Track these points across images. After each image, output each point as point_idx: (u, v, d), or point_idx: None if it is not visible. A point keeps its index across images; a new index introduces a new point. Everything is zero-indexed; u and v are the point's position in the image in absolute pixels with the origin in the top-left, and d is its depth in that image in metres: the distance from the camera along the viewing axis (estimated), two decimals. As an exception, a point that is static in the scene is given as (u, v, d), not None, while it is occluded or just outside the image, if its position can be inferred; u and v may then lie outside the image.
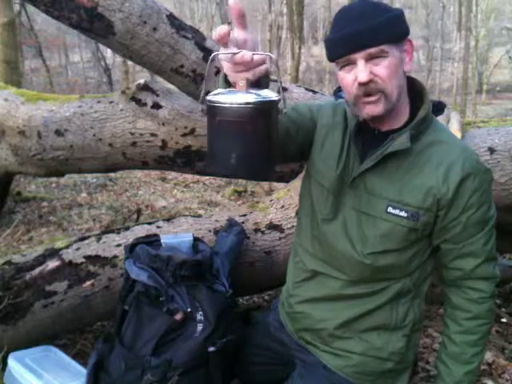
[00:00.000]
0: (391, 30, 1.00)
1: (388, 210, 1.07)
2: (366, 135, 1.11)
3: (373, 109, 1.04)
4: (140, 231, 1.87)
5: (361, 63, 1.00)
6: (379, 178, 1.09)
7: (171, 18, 1.76)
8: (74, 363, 1.57)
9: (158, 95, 2.26)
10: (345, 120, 1.19)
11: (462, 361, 1.15)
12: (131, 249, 1.52)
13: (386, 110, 1.04)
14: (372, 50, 0.99)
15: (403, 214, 1.06)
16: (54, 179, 4.83)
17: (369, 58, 1.00)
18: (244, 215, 2.09)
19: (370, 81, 1.00)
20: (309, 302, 1.24)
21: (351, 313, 1.17)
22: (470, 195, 1.06)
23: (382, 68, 1.00)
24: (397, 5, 28.05)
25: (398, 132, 1.07)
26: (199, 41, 1.80)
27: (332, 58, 1.05)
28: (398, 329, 1.16)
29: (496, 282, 1.17)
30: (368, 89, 1.01)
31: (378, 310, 1.15)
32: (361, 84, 1.01)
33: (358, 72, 1.00)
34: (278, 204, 1.99)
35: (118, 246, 1.81)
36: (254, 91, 0.85)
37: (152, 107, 2.23)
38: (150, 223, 1.96)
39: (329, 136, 1.19)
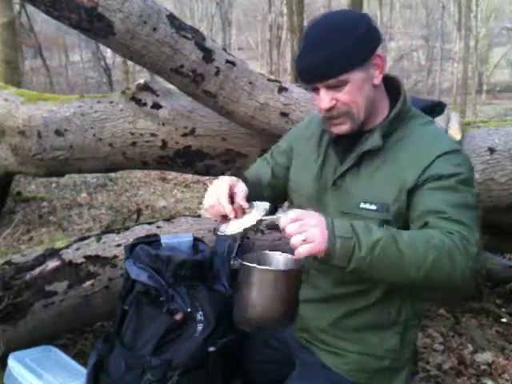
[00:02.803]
0: (349, 58, 1.01)
1: (360, 206, 1.09)
2: (349, 137, 1.13)
3: (339, 129, 1.09)
4: (140, 231, 1.87)
5: (322, 92, 1.04)
6: (356, 178, 1.11)
7: (171, 17, 1.76)
8: (74, 363, 1.57)
9: (158, 95, 2.26)
10: (320, 126, 1.22)
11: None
12: (131, 249, 1.52)
13: (353, 128, 1.08)
14: (330, 82, 1.03)
15: (373, 207, 1.08)
16: (54, 179, 4.83)
17: (330, 87, 1.04)
18: (244, 215, 2.09)
19: (333, 107, 1.05)
20: (303, 303, 1.26)
21: (340, 312, 1.19)
22: (441, 173, 1.03)
23: (343, 94, 1.04)
24: (397, 5, 28.05)
25: (371, 132, 1.10)
26: (199, 41, 1.80)
27: (302, 84, 1.09)
28: (391, 326, 1.17)
29: (471, 244, 0.96)
30: (332, 113, 1.06)
31: (368, 308, 1.16)
32: (323, 110, 1.06)
33: (320, 100, 1.06)
34: (278, 204, 2.00)
35: (118, 246, 1.81)
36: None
37: (152, 107, 2.23)
38: (149, 223, 1.96)
39: (304, 149, 1.24)
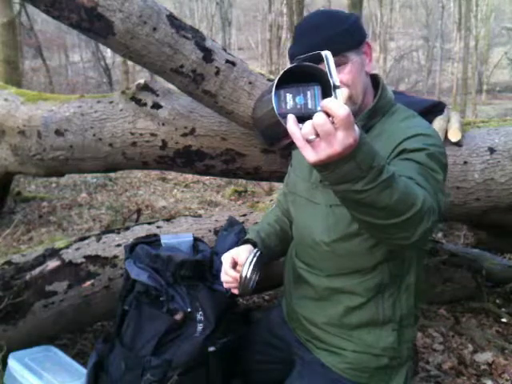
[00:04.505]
0: (348, 39, 1.09)
1: None
2: None
3: None
4: (140, 231, 1.87)
5: None
6: None
7: (171, 18, 1.76)
8: (74, 363, 1.57)
9: (158, 95, 2.26)
10: None
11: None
12: (131, 249, 1.52)
13: (352, 112, 1.06)
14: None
15: None
16: (54, 179, 4.83)
17: None
18: (244, 215, 2.09)
19: None
20: (299, 300, 1.28)
21: (335, 310, 1.20)
22: (412, 146, 1.03)
23: (344, 74, 1.09)
24: (397, 5, 28.03)
25: None
26: (199, 41, 1.80)
27: None
28: (386, 324, 1.18)
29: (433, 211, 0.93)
30: None
31: (362, 305, 1.17)
32: None
33: None
34: (278, 204, 1.99)
35: (118, 246, 1.81)
36: None
37: (152, 107, 2.23)
38: (150, 223, 1.96)
39: (298, 155, 1.26)
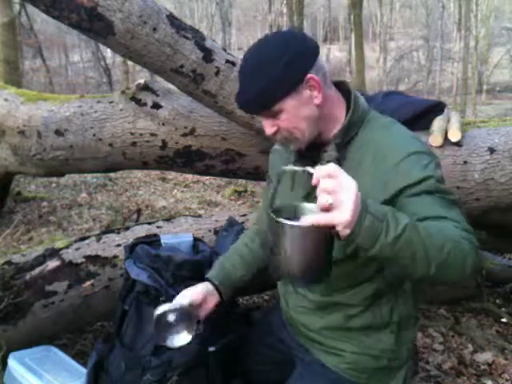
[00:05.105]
0: (279, 88, 1.02)
1: None
2: (311, 147, 1.13)
3: (293, 147, 1.12)
4: (140, 231, 1.87)
5: (263, 120, 1.08)
6: None
7: (171, 17, 1.76)
8: (74, 363, 1.57)
9: (158, 95, 2.26)
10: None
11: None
12: (131, 249, 1.52)
13: (305, 144, 1.10)
14: (264, 113, 1.06)
15: None
16: (54, 179, 4.83)
17: (268, 116, 1.06)
18: (244, 215, 2.09)
19: (276, 132, 1.08)
20: (296, 308, 1.28)
21: (333, 318, 1.19)
22: (409, 172, 1.01)
23: (282, 121, 1.06)
24: (397, 5, 28.03)
25: (328, 145, 1.10)
26: (199, 41, 1.80)
27: None
28: (384, 327, 1.17)
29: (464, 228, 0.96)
30: (277, 137, 1.10)
31: (360, 314, 1.17)
32: (269, 135, 1.10)
33: (263, 127, 1.10)
34: (278, 204, 1.99)
35: (118, 246, 1.81)
36: None
37: (152, 107, 2.23)
38: (150, 223, 1.96)
39: (277, 169, 1.20)
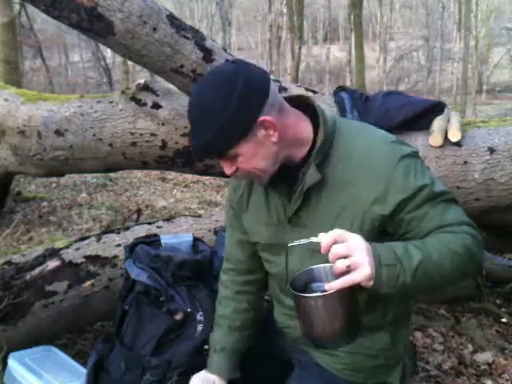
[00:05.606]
0: (227, 138, 0.97)
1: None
2: (286, 172, 1.09)
3: (257, 182, 1.12)
4: (140, 231, 1.87)
5: (221, 161, 1.05)
6: (308, 212, 1.08)
7: (171, 17, 1.76)
8: (74, 363, 1.57)
9: (158, 95, 2.26)
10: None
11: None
12: (131, 249, 1.52)
13: (269, 176, 1.06)
14: (220, 158, 1.03)
15: None
16: (54, 179, 4.83)
17: (225, 159, 1.03)
18: (244, 215, 2.09)
19: (235, 172, 1.05)
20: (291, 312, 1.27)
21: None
22: (403, 184, 1.01)
23: (239, 164, 1.02)
24: (397, 5, 28.03)
25: (305, 166, 1.06)
26: (199, 41, 1.80)
27: None
28: (379, 328, 1.17)
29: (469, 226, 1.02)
30: (240, 176, 1.08)
31: None
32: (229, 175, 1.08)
33: (222, 167, 1.06)
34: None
35: (118, 245, 1.81)
36: None
37: (152, 107, 2.23)
38: (150, 223, 1.97)
39: (252, 197, 1.20)
